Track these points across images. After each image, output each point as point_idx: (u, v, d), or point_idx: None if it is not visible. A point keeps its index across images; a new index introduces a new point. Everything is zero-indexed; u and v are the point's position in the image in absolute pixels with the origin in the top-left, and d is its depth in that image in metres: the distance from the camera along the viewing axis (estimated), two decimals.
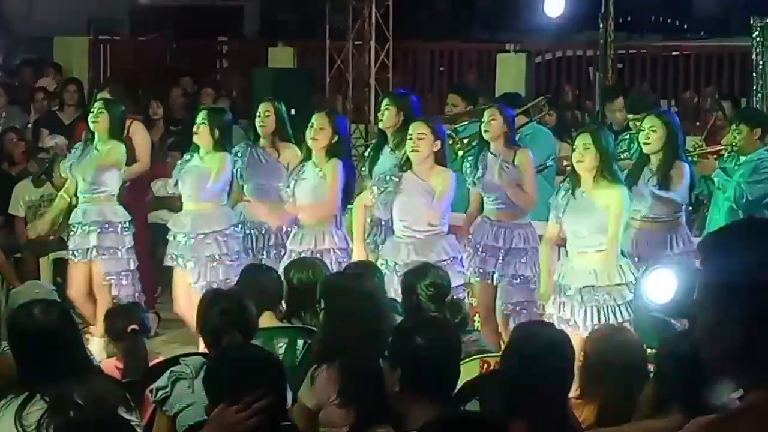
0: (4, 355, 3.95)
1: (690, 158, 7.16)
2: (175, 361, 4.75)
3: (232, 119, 8.02)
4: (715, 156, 7.59)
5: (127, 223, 7.72)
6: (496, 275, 7.08)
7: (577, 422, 3.89)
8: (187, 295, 7.32)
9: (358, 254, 7.03)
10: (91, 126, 7.72)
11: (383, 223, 7.20)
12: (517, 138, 7.47)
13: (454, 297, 5.77)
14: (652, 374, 4.15)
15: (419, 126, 6.81)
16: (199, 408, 4.25)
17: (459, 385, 3.91)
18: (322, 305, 4.95)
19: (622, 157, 7.64)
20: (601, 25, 12.04)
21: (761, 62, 10.27)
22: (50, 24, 15.89)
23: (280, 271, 5.96)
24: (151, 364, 5.34)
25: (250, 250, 7.58)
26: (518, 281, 7.05)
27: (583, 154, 6.26)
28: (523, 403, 3.46)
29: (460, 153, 7.78)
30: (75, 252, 7.71)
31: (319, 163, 7.18)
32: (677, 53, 13.56)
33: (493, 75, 13.52)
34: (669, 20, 17.86)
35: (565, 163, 7.65)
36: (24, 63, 14.43)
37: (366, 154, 7.99)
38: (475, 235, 7.20)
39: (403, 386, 3.56)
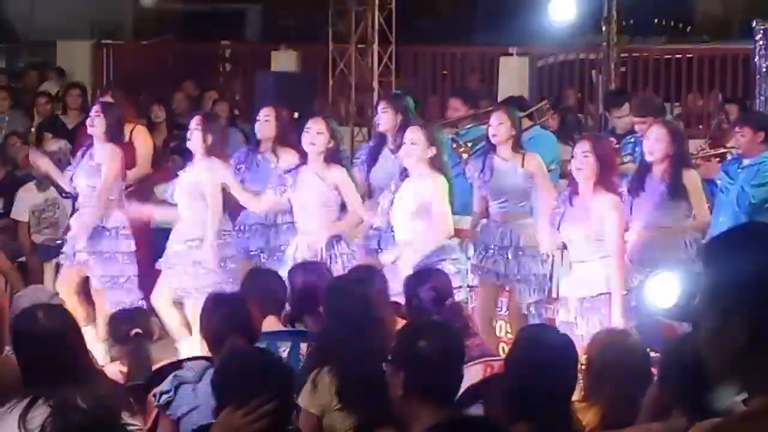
0: (8, 359, 3.95)
1: (694, 161, 7.17)
2: (178, 365, 4.75)
3: (229, 124, 8.01)
4: (718, 159, 7.60)
5: (124, 229, 7.70)
6: (507, 277, 7.07)
7: (581, 425, 3.89)
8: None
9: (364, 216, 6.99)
10: (89, 130, 7.74)
11: (376, 229, 7.22)
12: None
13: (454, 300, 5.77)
14: (655, 378, 4.15)
15: (412, 132, 6.79)
16: (202, 412, 4.25)
17: (462, 388, 3.90)
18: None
19: (625, 160, 7.64)
20: (603, 29, 12.05)
21: (764, 65, 10.27)
22: (53, 28, 15.91)
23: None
24: (154, 368, 5.34)
25: (248, 252, 7.59)
26: (532, 280, 7.04)
27: (582, 162, 6.24)
28: (527, 407, 3.46)
29: (465, 156, 7.78)
30: (66, 255, 7.73)
31: (319, 169, 7.15)
32: (680, 56, 13.56)
33: (496, 78, 13.53)
34: (672, 23, 17.86)
35: (568, 166, 7.65)
36: (27, 67, 14.45)
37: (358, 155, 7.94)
38: (482, 237, 7.20)
39: (407, 390, 3.56)
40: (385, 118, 7.53)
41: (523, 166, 7.10)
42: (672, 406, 3.79)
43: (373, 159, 7.56)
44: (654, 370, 4.26)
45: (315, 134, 7.12)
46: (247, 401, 3.20)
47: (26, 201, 9.32)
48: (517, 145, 7.18)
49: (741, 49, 12.40)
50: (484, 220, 7.28)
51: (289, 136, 7.60)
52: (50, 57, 15.09)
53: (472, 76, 14.14)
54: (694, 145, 8.06)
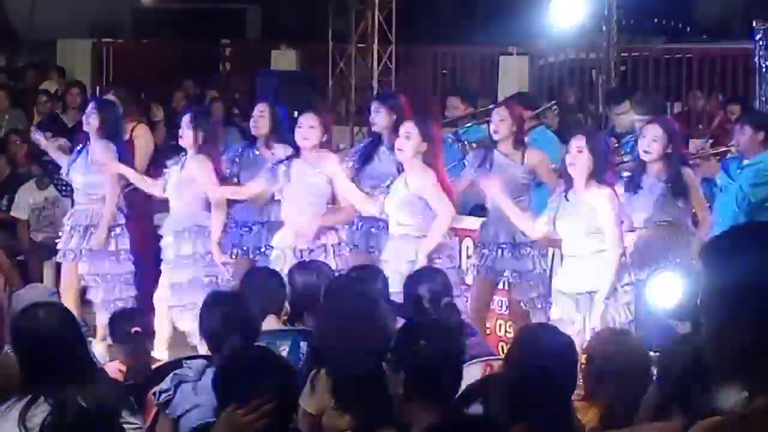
0: (8, 358, 3.95)
1: (693, 161, 7.18)
2: (178, 363, 4.75)
3: (226, 123, 8.01)
4: (717, 158, 7.59)
5: (119, 227, 7.70)
6: (506, 273, 7.07)
7: (581, 424, 3.89)
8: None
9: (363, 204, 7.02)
10: (85, 127, 7.75)
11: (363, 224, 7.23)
12: (525, 140, 7.48)
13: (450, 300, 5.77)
14: (654, 378, 4.15)
15: (406, 126, 6.80)
16: (202, 410, 4.25)
17: (462, 388, 3.90)
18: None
19: (625, 160, 7.64)
20: (603, 28, 12.04)
21: (764, 65, 10.26)
22: (53, 27, 15.91)
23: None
24: (153, 366, 5.34)
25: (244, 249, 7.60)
26: (532, 276, 7.03)
27: (576, 157, 6.24)
28: (526, 406, 3.46)
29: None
30: (63, 253, 7.75)
31: (313, 161, 7.15)
32: (680, 56, 13.56)
33: (496, 78, 13.53)
34: (671, 23, 17.85)
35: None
36: (26, 66, 14.45)
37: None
38: (480, 235, 7.20)
39: (407, 389, 3.56)
40: (378, 118, 7.53)
41: (523, 162, 7.11)
42: (671, 406, 3.79)
43: (364, 159, 7.54)
44: (654, 370, 4.26)
45: (307, 129, 7.13)
46: (248, 400, 3.20)
47: (26, 199, 9.32)
48: (519, 142, 7.19)
49: (741, 49, 12.40)
50: (484, 219, 7.29)
51: (283, 132, 7.59)
52: (50, 56, 15.10)
53: (472, 75, 14.14)
54: (694, 145, 8.07)
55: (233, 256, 7.51)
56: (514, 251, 7.04)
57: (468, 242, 7.62)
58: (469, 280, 7.31)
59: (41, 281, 8.58)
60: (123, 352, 5.51)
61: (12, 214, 9.38)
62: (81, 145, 7.89)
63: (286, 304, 5.58)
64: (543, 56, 14.02)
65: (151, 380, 4.82)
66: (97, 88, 14.52)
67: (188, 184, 7.39)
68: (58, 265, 8.63)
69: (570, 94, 13.39)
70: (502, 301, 7.48)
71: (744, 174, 7.35)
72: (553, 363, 3.51)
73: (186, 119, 7.46)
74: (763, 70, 10.21)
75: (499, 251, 7.06)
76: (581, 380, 4.20)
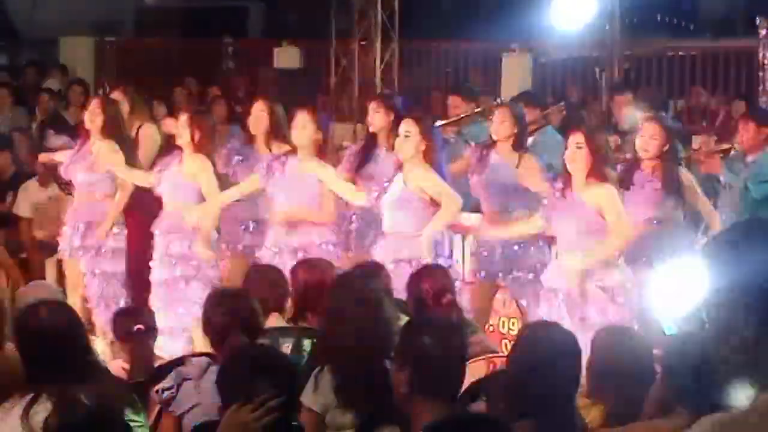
0: (11, 355, 3.94)
1: (697, 158, 7.18)
2: (180, 361, 4.75)
3: (228, 122, 7.99)
4: (721, 155, 7.59)
5: (118, 226, 7.70)
6: (500, 274, 7.07)
7: (584, 422, 3.88)
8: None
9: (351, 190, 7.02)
10: (87, 125, 7.73)
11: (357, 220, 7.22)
12: (530, 139, 7.47)
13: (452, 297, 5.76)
14: (658, 375, 4.14)
15: (406, 124, 6.79)
16: (205, 408, 4.25)
17: (465, 385, 3.90)
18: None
19: (628, 156, 7.62)
20: (607, 26, 12.04)
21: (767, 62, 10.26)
22: (55, 25, 15.91)
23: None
24: (156, 364, 5.33)
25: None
26: (527, 276, 7.03)
27: (574, 153, 6.23)
28: (530, 404, 3.46)
29: None
30: (64, 251, 7.76)
31: (307, 159, 7.14)
32: (683, 54, 13.55)
33: (499, 75, 13.52)
34: (675, 21, 17.84)
35: None
36: (28, 64, 14.45)
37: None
38: (476, 237, 7.20)
39: (411, 387, 3.55)
40: (377, 118, 7.51)
41: (518, 165, 7.10)
42: (675, 403, 3.78)
43: (361, 161, 7.52)
44: (657, 368, 4.26)
45: (300, 126, 7.12)
46: (253, 398, 3.20)
47: (28, 197, 9.32)
48: (518, 144, 7.18)
49: (744, 46, 12.39)
50: (479, 215, 7.29)
51: (282, 130, 7.58)
52: (52, 54, 15.10)
53: (474, 73, 14.13)
54: (698, 142, 8.06)
55: (228, 253, 7.53)
56: (505, 248, 7.03)
57: (469, 238, 7.62)
58: (468, 277, 7.31)
59: (43, 279, 8.57)
60: (126, 350, 5.50)
61: (14, 211, 9.38)
62: (80, 143, 7.88)
63: (289, 302, 5.58)
64: (546, 54, 14.01)
65: (154, 378, 4.82)
66: (105, 85, 14.52)
67: (187, 183, 7.37)
68: (60, 263, 8.64)
69: (573, 92, 13.39)
70: (505, 299, 7.47)
71: (748, 170, 7.35)
72: (557, 360, 3.50)
73: (183, 118, 7.46)
74: (766, 66, 10.21)
75: (496, 250, 7.07)
76: (585, 377, 4.19)
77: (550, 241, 7.11)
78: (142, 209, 7.85)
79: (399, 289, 5.66)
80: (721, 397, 2.14)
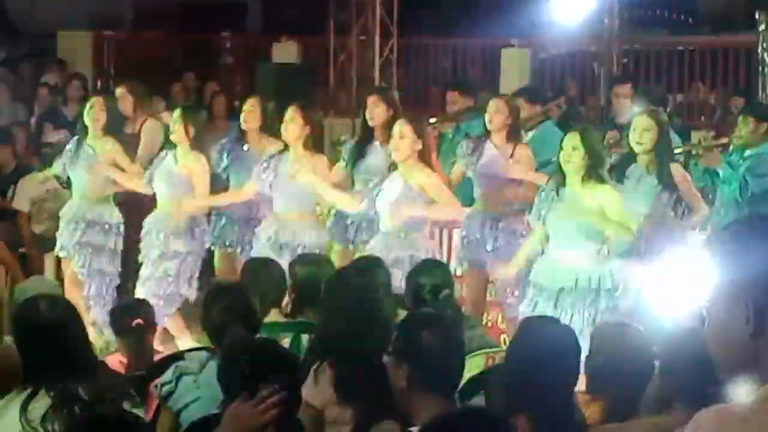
0: (9, 350, 3.94)
1: (696, 152, 7.18)
2: (179, 356, 4.75)
3: (228, 117, 7.98)
4: (720, 149, 7.59)
5: (117, 226, 7.70)
6: (487, 264, 7.08)
7: (582, 417, 3.88)
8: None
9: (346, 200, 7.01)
10: (88, 122, 7.70)
11: (353, 220, 7.22)
12: (530, 134, 7.47)
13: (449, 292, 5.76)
14: (657, 371, 4.14)
15: (400, 125, 6.78)
16: (204, 403, 4.25)
17: (464, 380, 3.90)
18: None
19: (626, 151, 7.61)
20: (606, 21, 12.03)
21: (766, 57, 10.26)
22: (53, 19, 15.89)
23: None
24: (155, 359, 5.33)
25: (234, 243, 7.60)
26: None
27: (570, 155, 6.22)
28: (528, 399, 3.45)
29: None
30: (62, 249, 7.74)
31: (297, 157, 7.13)
32: (682, 49, 13.55)
33: (497, 71, 13.51)
34: (674, 16, 17.84)
35: None
36: (26, 58, 14.43)
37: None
38: (465, 225, 7.20)
39: (410, 382, 3.55)
40: (377, 112, 7.51)
41: (512, 156, 7.11)
42: (673, 400, 3.78)
43: (357, 156, 7.52)
44: (655, 363, 4.25)
45: (288, 122, 7.12)
46: (255, 393, 3.20)
47: (27, 191, 9.30)
48: (512, 136, 7.20)
49: (743, 41, 12.39)
50: (469, 209, 7.29)
51: (273, 127, 7.57)
52: (50, 48, 15.07)
53: (473, 68, 14.12)
54: (696, 137, 8.06)
55: (218, 248, 7.54)
56: (497, 242, 7.04)
57: (455, 232, 7.64)
58: (456, 270, 7.31)
59: (42, 273, 8.57)
60: (125, 345, 5.50)
61: (13, 206, 9.37)
62: (77, 139, 7.84)
63: (288, 297, 5.58)
64: (544, 49, 14.00)
65: (152, 373, 4.82)
66: (106, 81, 14.52)
67: (182, 180, 7.37)
68: (59, 258, 8.63)
69: (572, 88, 13.39)
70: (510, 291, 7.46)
71: (746, 164, 7.35)
72: (556, 355, 3.50)
73: (176, 114, 7.45)
74: (766, 61, 10.21)
75: (482, 242, 7.08)
76: (584, 373, 4.18)
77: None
78: (141, 209, 7.86)
79: (397, 284, 5.66)
80: (719, 393, 2.14)
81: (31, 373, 3.64)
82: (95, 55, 15.24)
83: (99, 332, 7.31)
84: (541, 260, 6.40)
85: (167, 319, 7.38)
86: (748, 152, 7.43)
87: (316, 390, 4.30)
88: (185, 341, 7.26)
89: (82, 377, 3.61)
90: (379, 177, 6.91)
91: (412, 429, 3.38)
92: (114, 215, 7.75)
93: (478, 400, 4.17)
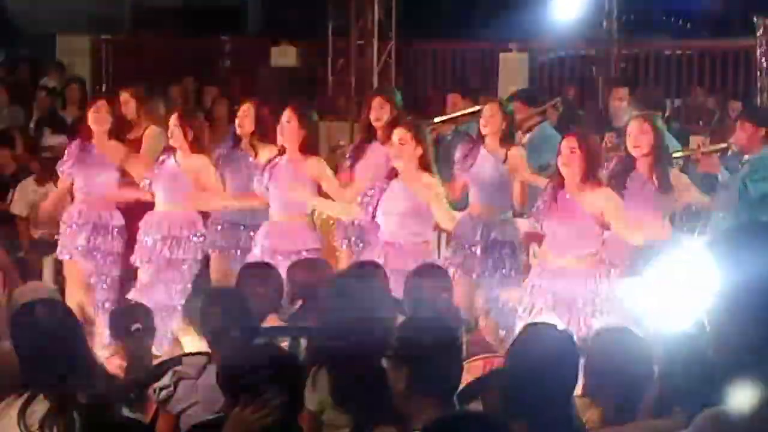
0: (8, 355, 3.94)
1: (695, 157, 7.18)
2: (178, 360, 4.75)
3: (229, 121, 7.97)
4: (719, 154, 7.59)
5: (119, 229, 7.70)
6: (475, 271, 7.08)
7: (581, 422, 3.88)
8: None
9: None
10: (93, 127, 7.68)
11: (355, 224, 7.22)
12: (527, 136, 7.46)
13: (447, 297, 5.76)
14: (656, 375, 4.14)
15: (400, 132, 6.77)
16: (202, 407, 4.25)
17: (462, 384, 3.90)
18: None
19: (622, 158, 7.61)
20: (604, 25, 12.05)
21: (765, 61, 10.27)
22: (52, 22, 15.89)
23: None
24: (154, 363, 5.33)
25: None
26: (498, 275, 7.04)
27: (568, 158, 6.22)
28: (527, 404, 3.45)
29: None
30: (64, 251, 7.73)
31: (292, 159, 7.13)
32: (680, 53, 13.56)
33: (496, 74, 13.52)
34: (672, 20, 17.86)
35: None
36: (25, 61, 14.44)
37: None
38: (457, 231, 7.19)
39: (409, 386, 3.55)
40: (384, 113, 7.50)
41: (505, 160, 7.12)
42: (672, 404, 3.79)
43: (357, 156, 7.52)
44: (655, 368, 4.26)
45: (285, 124, 7.11)
46: (256, 397, 3.21)
47: (25, 195, 9.30)
48: (506, 140, 7.20)
49: (741, 45, 12.40)
50: (460, 214, 7.29)
51: (267, 132, 7.56)
52: (49, 51, 15.08)
53: (472, 72, 14.13)
54: (695, 141, 8.06)
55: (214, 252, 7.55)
56: (485, 251, 7.05)
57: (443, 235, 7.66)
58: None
59: (40, 278, 8.56)
60: (123, 349, 5.50)
61: (11, 210, 9.36)
62: (80, 143, 7.83)
63: (287, 301, 5.58)
64: (543, 53, 14.01)
65: (151, 377, 4.81)
66: (109, 84, 14.52)
67: (186, 184, 7.36)
68: (58, 262, 8.62)
69: (570, 91, 13.39)
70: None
71: (745, 169, 7.35)
72: (555, 361, 3.50)
73: (173, 118, 7.44)
74: (764, 66, 10.22)
75: (473, 248, 7.08)
76: (583, 376, 4.19)
77: (527, 239, 7.16)
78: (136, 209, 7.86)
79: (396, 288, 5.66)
80: (718, 398, 2.14)
81: (30, 377, 3.64)
82: (94, 58, 15.25)
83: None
84: (539, 263, 6.40)
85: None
86: (746, 157, 7.43)
87: (314, 394, 4.30)
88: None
89: (81, 381, 3.61)
90: (378, 182, 6.88)
91: None
92: (115, 217, 7.74)
93: (476, 405, 4.17)
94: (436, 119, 8.78)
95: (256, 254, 7.05)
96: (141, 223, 7.48)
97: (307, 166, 7.09)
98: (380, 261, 6.51)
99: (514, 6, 13.73)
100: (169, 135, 7.40)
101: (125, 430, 3.06)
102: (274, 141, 7.33)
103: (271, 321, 5.34)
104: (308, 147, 7.16)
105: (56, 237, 8.01)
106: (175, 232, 7.37)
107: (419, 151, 6.71)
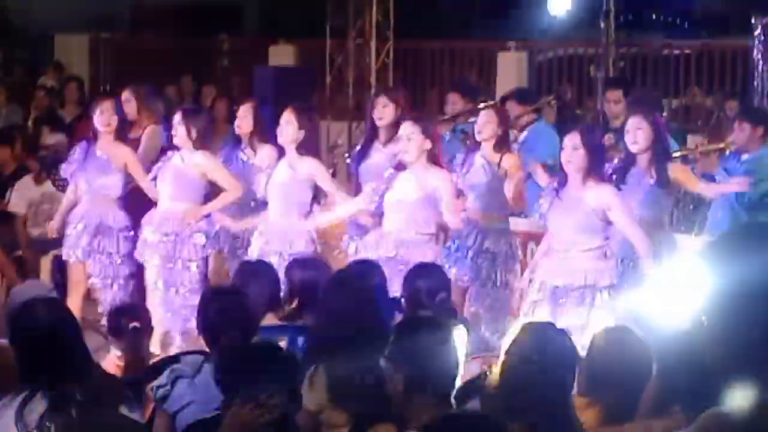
0: (5, 353, 3.94)
1: (693, 157, 7.18)
2: (175, 358, 4.74)
3: (229, 121, 7.96)
4: (717, 154, 7.59)
5: (125, 230, 7.68)
6: (466, 277, 7.07)
7: (579, 422, 3.88)
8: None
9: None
10: (101, 128, 7.66)
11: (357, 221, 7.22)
12: (523, 134, 7.45)
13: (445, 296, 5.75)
14: (654, 374, 4.14)
15: (407, 127, 6.77)
16: (199, 406, 4.25)
17: (460, 383, 3.90)
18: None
19: (623, 156, 7.62)
20: (602, 24, 12.04)
21: (762, 61, 10.27)
22: (50, 22, 15.89)
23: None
24: (151, 362, 5.33)
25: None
26: (489, 284, 7.04)
27: (571, 154, 6.22)
28: (525, 403, 3.45)
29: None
30: (69, 252, 7.72)
31: (292, 161, 7.13)
32: (678, 52, 13.55)
33: (494, 74, 13.51)
34: (670, 19, 17.87)
35: None
36: (23, 61, 14.43)
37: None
38: (453, 235, 7.19)
39: (407, 385, 3.55)
40: (387, 112, 7.49)
41: (500, 165, 7.11)
42: (671, 403, 3.78)
43: (361, 156, 7.52)
44: (653, 367, 4.25)
45: (284, 125, 7.11)
46: (255, 395, 3.21)
47: (23, 194, 9.29)
48: (502, 145, 7.19)
49: (739, 45, 12.39)
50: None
51: (266, 132, 7.56)
52: (48, 51, 15.08)
53: (470, 71, 14.12)
54: (693, 141, 8.06)
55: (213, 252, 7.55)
56: (476, 257, 7.05)
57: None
58: None
59: (38, 276, 8.56)
60: (121, 347, 5.50)
61: (10, 208, 9.36)
62: (84, 144, 7.81)
63: (284, 300, 5.57)
64: (542, 52, 14.00)
65: (148, 375, 4.81)
66: (107, 83, 14.51)
67: (191, 180, 7.35)
68: (56, 261, 8.62)
69: (568, 90, 13.39)
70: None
71: (743, 169, 7.35)
72: (553, 360, 3.50)
73: (177, 117, 7.43)
74: (762, 65, 10.22)
75: (462, 253, 7.08)
76: (581, 376, 4.18)
77: (526, 238, 7.16)
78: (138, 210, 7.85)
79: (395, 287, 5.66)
80: (717, 398, 2.14)
81: (28, 376, 3.64)
82: (92, 57, 15.24)
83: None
84: (545, 260, 6.42)
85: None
86: (744, 157, 7.43)
87: (312, 394, 4.29)
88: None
89: (79, 380, 3.61)
90: (385, 176, 6.86)
91: None
92: (121, 219, 7.73)
93: (474, 404, 4.17)
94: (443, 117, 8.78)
95: (253, 253, 7.05)
96: (144, 221, 7.47)
97: (306, 167, 7.09)
98: (379, 251, 6.53)
99: (513, 5, 13.74)
100: (173, 133, 7.40)
101: (123, 428, 3.05)
102: (273, 141, 7.34)
103: (269, 320, 5.34)
104: (307, 148, 7.16)
105: (55, 237, 8.00)
106: (178, 229, 7.36)
107: (428, 144, 6.71)
